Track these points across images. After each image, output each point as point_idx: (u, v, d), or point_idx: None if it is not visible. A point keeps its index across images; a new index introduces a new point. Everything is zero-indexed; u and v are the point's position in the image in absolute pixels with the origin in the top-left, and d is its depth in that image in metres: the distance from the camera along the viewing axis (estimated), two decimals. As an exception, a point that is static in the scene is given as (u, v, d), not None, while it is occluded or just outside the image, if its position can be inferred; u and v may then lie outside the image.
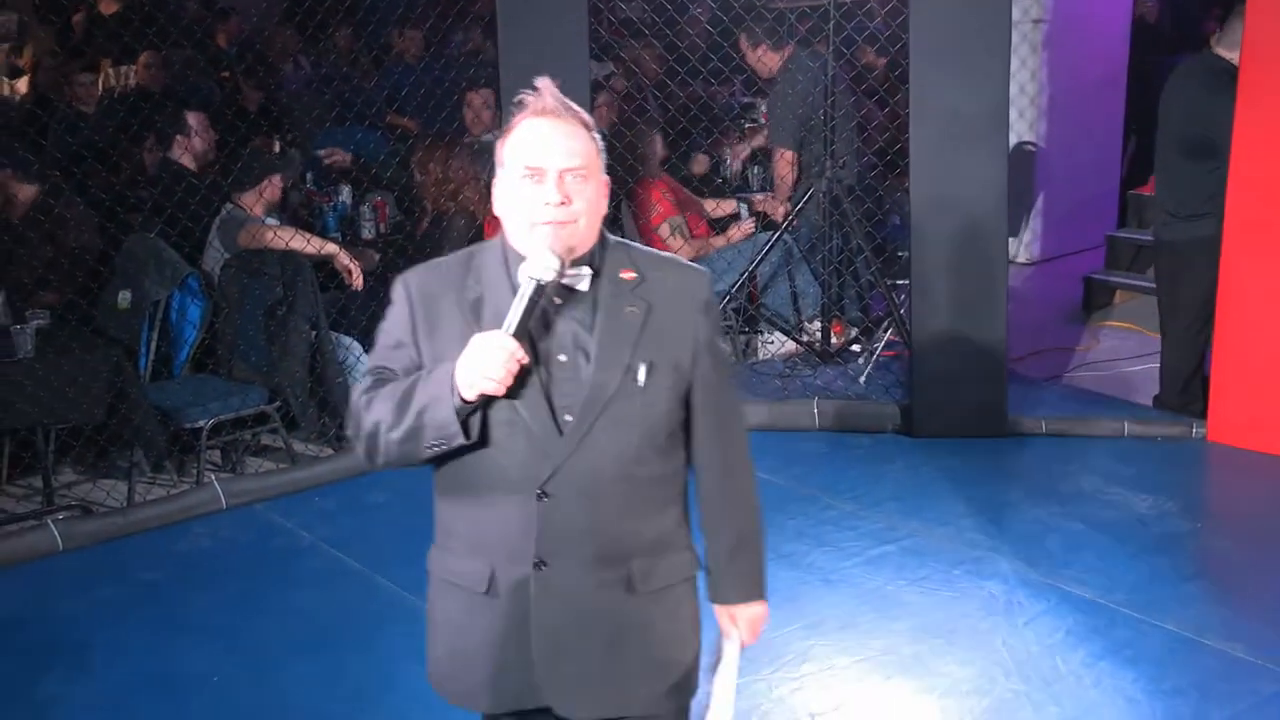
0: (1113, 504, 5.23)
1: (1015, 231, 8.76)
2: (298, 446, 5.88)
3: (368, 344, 6.01)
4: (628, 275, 2.34)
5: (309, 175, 7.37)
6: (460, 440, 2.25)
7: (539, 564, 2.31)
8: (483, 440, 2.28)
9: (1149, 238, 7.65)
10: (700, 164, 7.64)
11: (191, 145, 6.39)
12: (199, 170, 6.40)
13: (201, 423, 5.45)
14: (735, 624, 2.53)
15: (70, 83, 7.91)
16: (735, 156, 7.84)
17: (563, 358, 2.29)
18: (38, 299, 5.74)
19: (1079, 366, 6.90)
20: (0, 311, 5.30)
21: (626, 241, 2.43)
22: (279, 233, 5.90)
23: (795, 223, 6.71)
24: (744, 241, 6.98)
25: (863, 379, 6.59)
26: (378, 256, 6.52)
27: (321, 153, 7.53)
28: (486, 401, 2.24)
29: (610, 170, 6.90)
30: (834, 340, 6.91)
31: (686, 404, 2.39)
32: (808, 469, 5.62)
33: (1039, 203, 8.89)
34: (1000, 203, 5.73)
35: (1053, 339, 7.26)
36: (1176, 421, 5.91)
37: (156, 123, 6.64)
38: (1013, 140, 7.71)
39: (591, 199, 2.29)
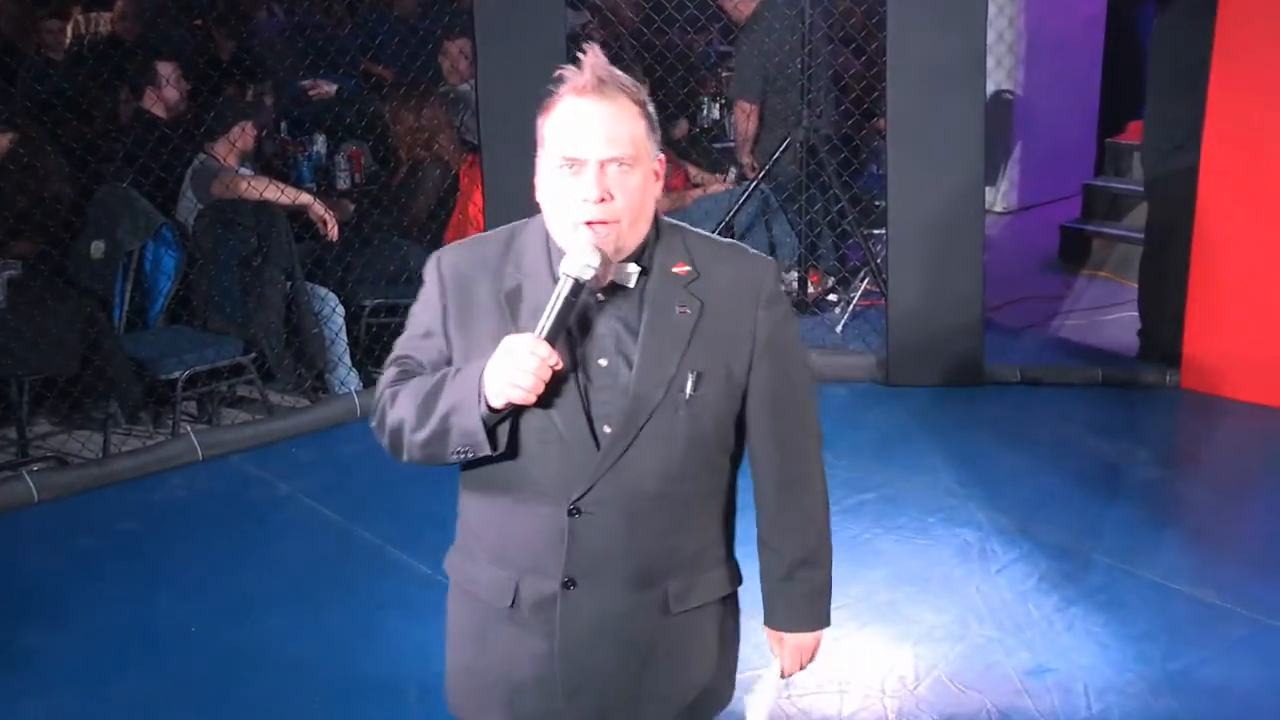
0: (1087, 452, 5.27)
1: (992, 180, 8.76)
2: (274, 398, 5.86)
3: (342, 295, 5.99)
4: (681, 269, 2.12)
5: (283, 125, 7.30)
6: (486, 451, 2.06)
7: (568, 584, 2.13)
8: (513, 448, 2.09)
9: (1125, 186, 7.69)
10: (680, 129, 7.59)
11: (163, 95, 6.32)
12: (171, 120, 6.33)
13: (176, 374, 5.42)
14: (781, 649, 2.35)
15: (38, 29, 7.78)
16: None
17: (603, 362, 2.09)
18: (9, 248, 5.69)
19: (1055, 315, 6.93)
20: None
21: (683, 226, 2.21)
22: (253, 183, 5.85)
23: (772, 172, 6.69)
24: (722, 192, 6.96)
25: (839, 329, 6.61)
26: (353, 207, 6.48)
27: (305, 83, 7.42)
28: (518, 409, 2.05)
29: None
30: (811, 290, 6.91)
31: (742, 411, 2.19)
32: (784, 418, 5.62)
33: (1016, 151, 8.88)
34: (977, 151, 5.72)
35: (1029, 288, 7.27)
36: (1150, 369, 5.95)
37: (128, 72, 6.56)
38: (990, 88, 7.68)
39: (636, 192, 2.04)
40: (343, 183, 6.82)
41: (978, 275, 5.83)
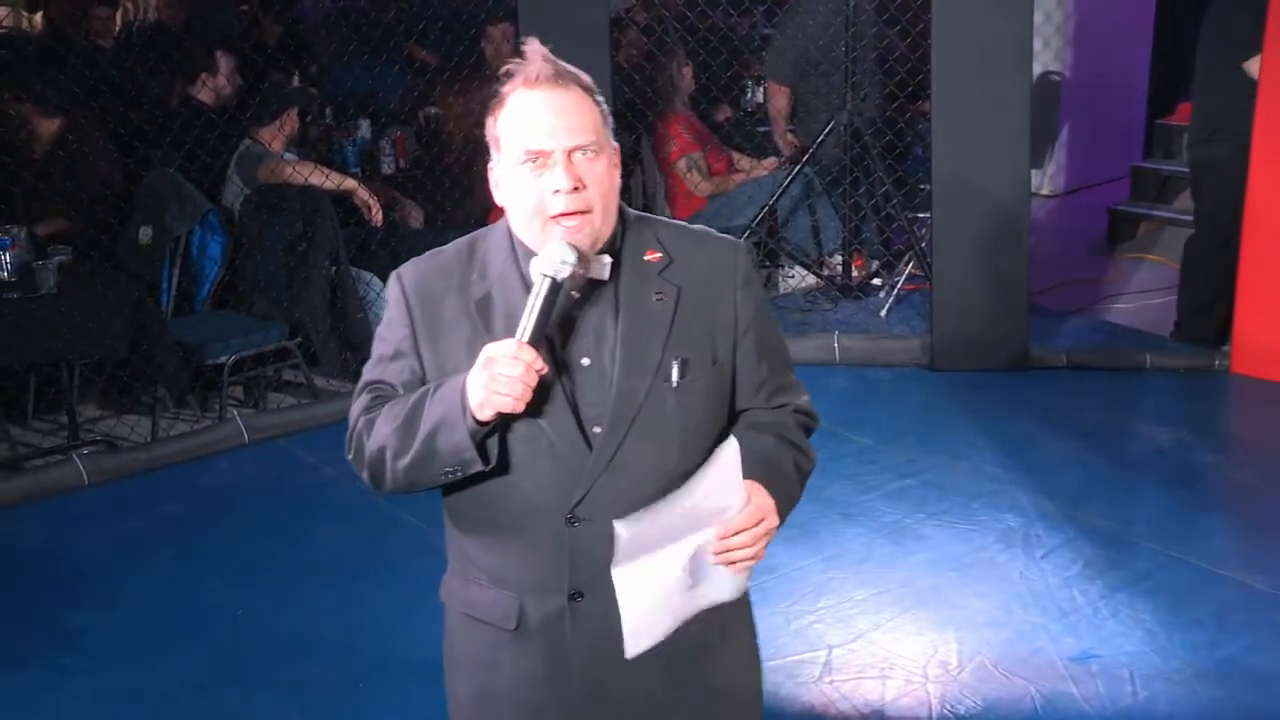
0: (1133, 436, 5.22)
1: (1039, 163, 8.68)
2: (319, 382, 5.91)
3: (386, 278, 6.01)
4: (653, 257, 2.05)
5: (328, 110, 7.33)
6: (478, 467, 1.97)
7: (575, 596, 2.04)
8: (503, 462, 1.99)
9: (1175, 168, 7.61)
10: (724, 112, 7.57)
11: (216, 83, 6.38)
12: (218, 106, 6.38)
13: (223, 358, 5.48)
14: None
15: (87, 16, 7.87)
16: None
17: (586, 361, 2.01)
18: (58, 233, 5.76)
19: (1102, 299, 6.86)
20: (23, 247, 5.32)
21: (649, 215, 2.13)
22: (298, 168, 5.89)
23: (816, 155, 6.66)
24: (765, 176, 6.94)
25: (884, 313, 6.58)
26: (422, 215, 6.47)
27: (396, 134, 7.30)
28: (504, 419, 1.95)
29: (631, 106, 6.86)
30: (855, 274, 6.88)
31: (732, 394, 2.11)
32: (829, 403, 5.59)
33: (1063, 133, 8.80)
34: (1023, 133, 5.66)
35: (1076, 271, 7.21)
36: (1199, 353, 5.88)
37: (173, 58, 6.62)
38: (1037, 69, 7.61)
39: (604, 178, 1.97)
40: (387, 168, 6.84)
41: (1023, 259, 5.78)
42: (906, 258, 6.76)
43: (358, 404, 2.10)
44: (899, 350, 6.06)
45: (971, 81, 5.61)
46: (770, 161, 7.08)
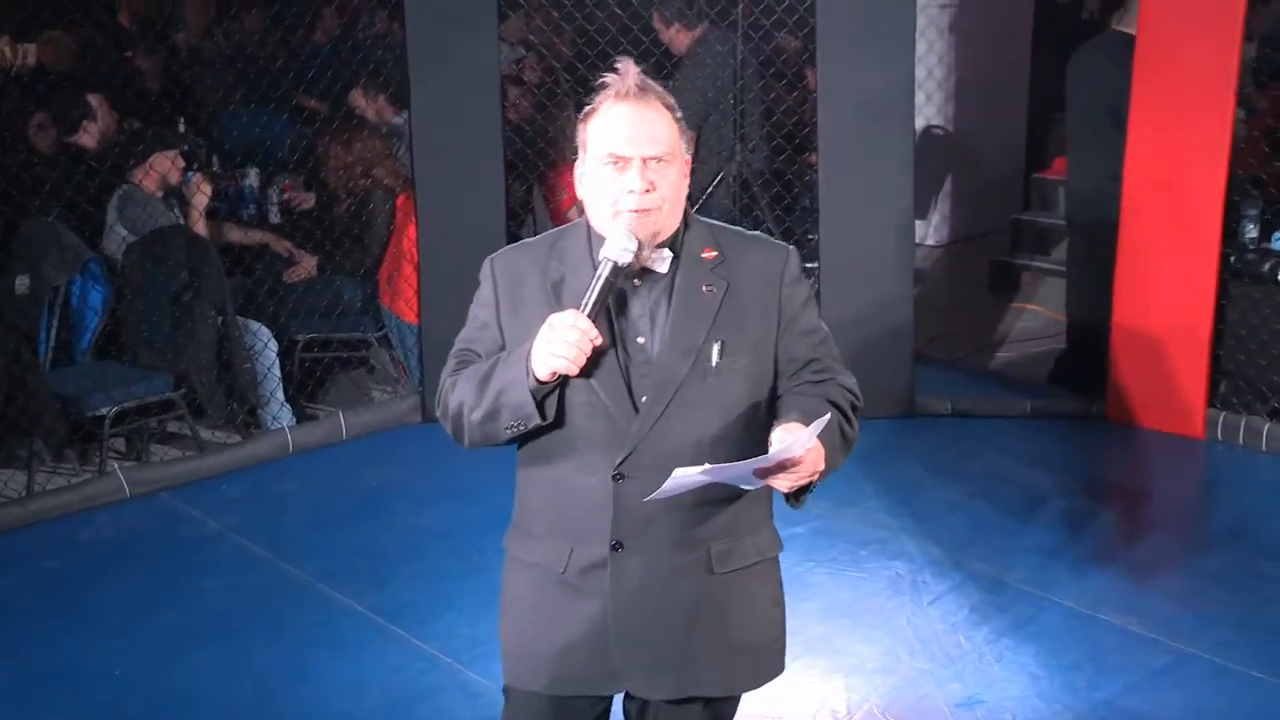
0: (1015, 482, 5.33)
1: (923, 214, 8.87)
2: (204, 434, 5.79)
3: (275, 330, 5.94)
4: (709, 254, 2.35)
5: (214, 158, 7.23)
6: (537, 421, 2.27)
7: (616, 546, 2.33)
8: (562, 421, 2.31)
9: (1052, 220, 7.82)
10: None
11: (98, 128, 6.26)
12: (99, 152, 6.25)
13: (104, 410, 5.34)
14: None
15: (-38, 61, 7.68)
16: None
17: (640, 339, 2.31)
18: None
19: (985, 348, 7.01)
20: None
21: (712, 222, 2.45)
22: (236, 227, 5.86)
23: (706, 206, 6.72)
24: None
25: (773, 361, 6.63)
26: (315, 263, 6.38)
27: (286, 196, 7.18)
28: (565, 383, 2.26)
29: (521, 156, 6.86)
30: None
31: (772, 385, 2.37)
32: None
33: (947, 185, 9.00)
34: (907, 185, 5.79)
35: (959, 320, 7.36)
36: (1077, 400, 6.03)
37: (53, 103, 6.48)
38: (920, 124, 7.79)
39: (674, 184, 2.30)
40: (275, 216, 6.75)
41: (909, 308, 5.90)
42: (795, 307, 6.82)
43: (447, 367, 2.42)
44: (788, 399, 6.10)
45: (856, 134, 5.73)
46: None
